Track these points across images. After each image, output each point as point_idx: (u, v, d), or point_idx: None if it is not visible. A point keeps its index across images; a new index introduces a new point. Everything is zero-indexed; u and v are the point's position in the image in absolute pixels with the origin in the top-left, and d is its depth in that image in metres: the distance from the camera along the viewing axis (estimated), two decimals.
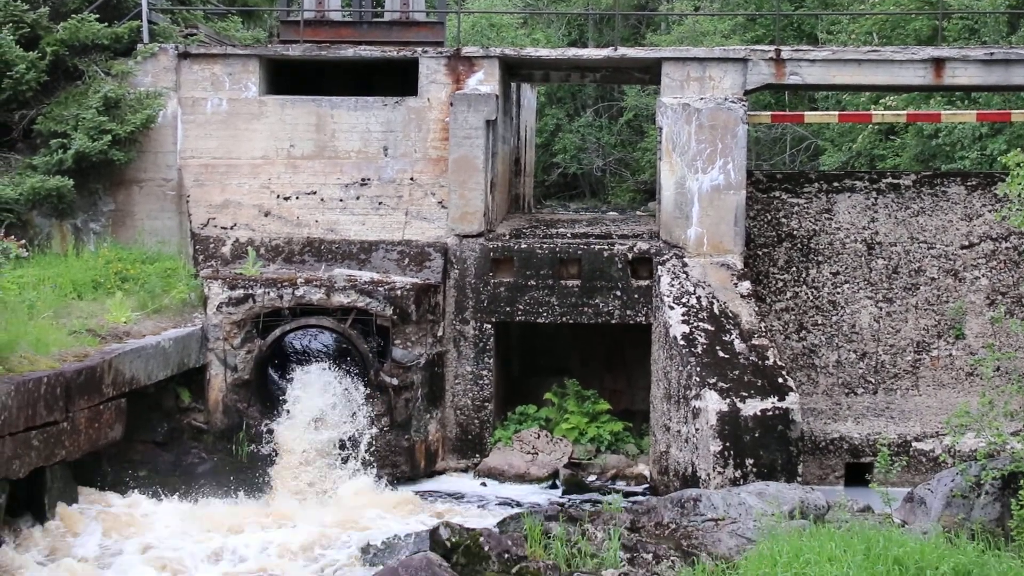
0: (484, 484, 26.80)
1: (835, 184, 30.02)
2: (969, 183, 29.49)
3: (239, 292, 26.88)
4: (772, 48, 28.52)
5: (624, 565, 19.76)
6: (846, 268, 29.23)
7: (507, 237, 28.73)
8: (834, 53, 29.31)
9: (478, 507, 24.88)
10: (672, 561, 19.59)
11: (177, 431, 25.89)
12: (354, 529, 22.63)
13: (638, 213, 35.38)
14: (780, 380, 24.46)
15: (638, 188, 43.92)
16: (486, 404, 28.05)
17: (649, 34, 48.59)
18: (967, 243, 29.04)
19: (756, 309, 26.79)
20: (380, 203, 28.52)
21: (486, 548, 19.73)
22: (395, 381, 26.75)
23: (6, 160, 27.29)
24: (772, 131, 43.66)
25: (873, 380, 28.92)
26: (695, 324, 25.74)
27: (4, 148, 27.42)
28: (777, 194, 29.56)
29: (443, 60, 28.53)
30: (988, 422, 20.21)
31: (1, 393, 19.57)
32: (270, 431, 26.20)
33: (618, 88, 46.07)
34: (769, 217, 29.30)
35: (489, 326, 28.00)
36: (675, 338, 25.50)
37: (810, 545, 17.09)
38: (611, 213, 36.36)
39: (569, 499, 25.20)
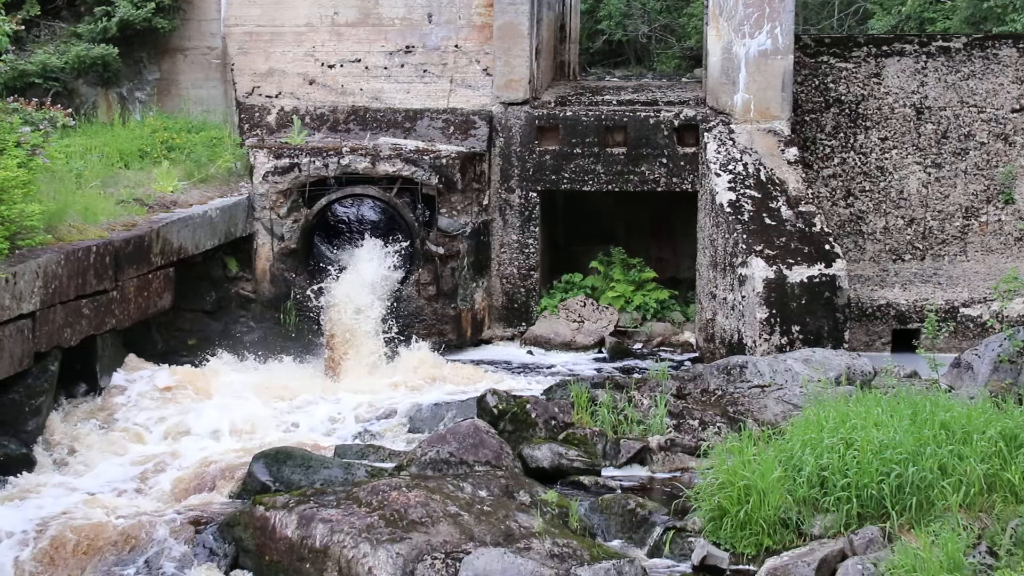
0: (530, 352, 26.98)
1: (884, 48, 29.92)
2: (1020, 45, 29.33)
3: (285, 161, 27.02)
4: None
5: (670, 431, 19.96)
6: (894, 133, 29.20)
7: (552, 105, 28.75)
8: None
9: (524, 375, 25.09)
10: (718, 427, 19.75)
11: (225, 300, 26.16)
12: (402, 396, 22.87)
13: (684, 80, 35.17)
14: (827, 247, 24.53)
15: (684, 55, 43.65)
16: (532, 273, 28.21)
17: None
18: (1018, 107, 28.96)
19: (803, 175, 26.81)
20: (425, 71, 28.56)
21: (533, 415, 19.93)
22: (441, 250, 26.90)
23: (51, 29, 27.42)
24: None
25: (921, 246, 28.99)
26: (741, 191, 25.80)
27: (48, 16, 27.54)
28: (825, 59, 29.50)
29: None
30: None
31: (51, 262, 19.81)
32: (318, 300, 26.48)
33: None
34: (817, 82, 29.25)
35: (535, 194, 28.09)
36: (721, 205, 25.57)
37: (856, 410, 17.19)
38: (657, 80, 36.22)
39: (615, 367, 25.39)
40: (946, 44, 29.79)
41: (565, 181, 28.10)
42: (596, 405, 20.28)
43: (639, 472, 18.91)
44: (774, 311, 23.91)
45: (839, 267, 24.11)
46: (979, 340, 21.71)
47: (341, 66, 28.67)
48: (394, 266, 26.77)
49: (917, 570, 14.35)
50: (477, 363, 25.93)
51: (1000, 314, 23.12)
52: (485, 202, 27.83)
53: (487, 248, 28.04)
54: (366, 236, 27.00)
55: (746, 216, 25.16)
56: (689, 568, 15.76)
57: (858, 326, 24.93)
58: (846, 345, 23.69)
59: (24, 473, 18.40)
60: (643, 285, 28.35)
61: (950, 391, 19.54)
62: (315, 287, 26.45)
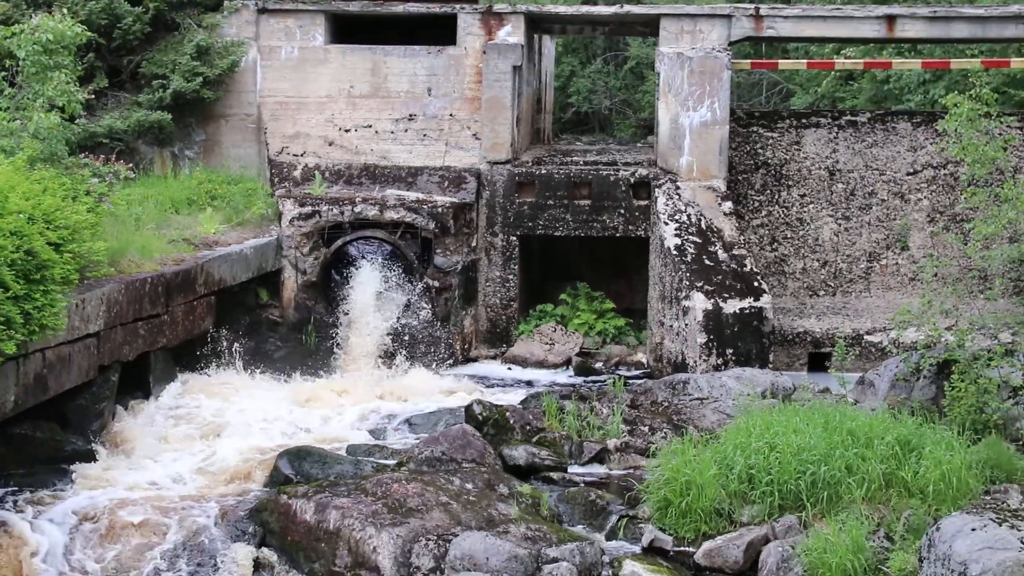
0: (510, 369, 26.89)
1: (803, 120, 29.98)
2: (914, 120, 29.43)
3: (308, 209, 27.03)
4: (752, 6, 28.40)
5: (625, 435, 19.96)
6: (811, 191, 29.25)
7: (530, 164, 28.73)
8: (804, 10, 29.28)
9: (505, 388, 24.99)
10: (665, 432, 19.76)
11: (256, 323, 26.06)
12: (402, 404, 22.82)
13: (639, 145, 35.24)
14: (755, 284, 24.59)
15: (639, 124, 43.83)
16: (511, 303, 28.18)
17: None
18: (912, 170, 29.03)
19: (736, 225, 26.86)
20: (424, 135, 28.57)
21: (511, 421, 19.92)
22: (436, 283, 26.91)
23: (116, 98, 27.40)
24: (751, 76, 43.47)
25: (832, 284, 29.04)
26: (685, 237, 25.83)
27: (115, 88, 27.52)
28: (755, 128, 29.52)
29: (477, 15, 28.48)
30: (927, 319, 20.31)
31: (114, 291, 19.82)
32: (334, 324, 26.46)
33: (623, 40, 45.90)
34: (748, 148, 29.27)
35: (514, 238, 28.08)
36: (669, 249, 25.59)
37: (778, 419, 17.24)
38: (616, 145, 36.30)
39: (580, 382, 25.30)
40: (854, 118, 29.87)
41: (540, 227, 28.09)
42: (564, 413, 20.27)
43: (599, 469, 18.88)
44: (711, 336, 23.94)
45: (765, 301, 24.16)
46: (879, 362, 21.72)
47: (355, 130, 28.67)
48: (398, 296, 26.81)
49: (827, 552, 14.38)
50: (465, 377, 25.80)
51: (897, 341, 23.09)
52: (473, 244, 27.80)
53: (475, 282, 27.99)
54: (375, 272, 27.00)
55: (689, 258, 25.19)
56: (639, 549, 15.82)
57: (780, 350, 24.93)
58: (770, 365, 23.71)
59: (89, 465, 18.34)
60: (604, 314, 28.32)
61: (855, 404, 19.56)
62: (332, 315, 26.49)
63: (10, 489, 16.95)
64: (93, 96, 25.01)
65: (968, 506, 14.95)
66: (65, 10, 24.50)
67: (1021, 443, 17.75)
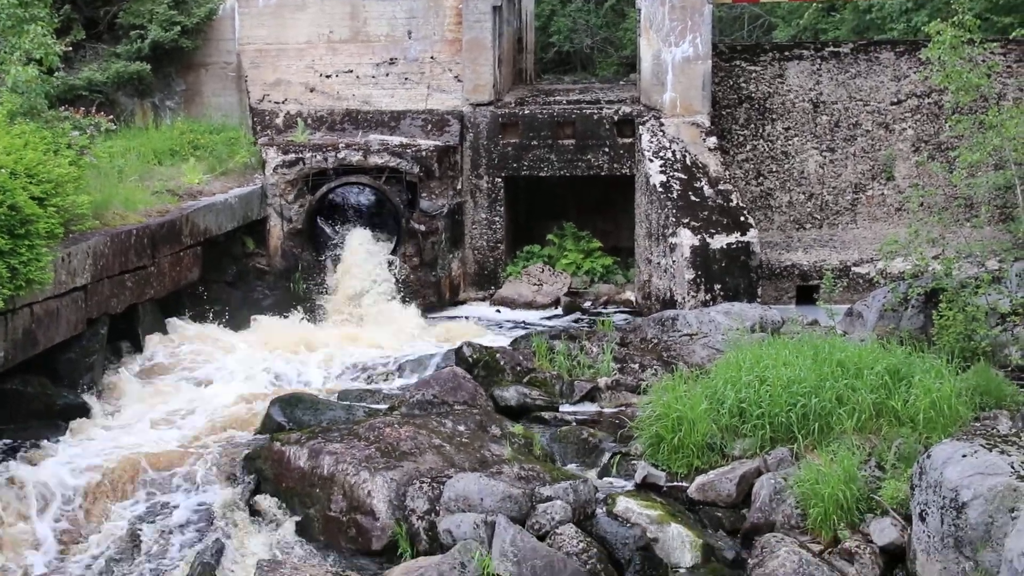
0: (499, 311, 27.00)
1: (786, 53, 29.99)
2: (897, 50, 29.45)
3: (291, 156, 27.06)
4: None
5: (616, 373, 20.06)
6: (795, 124, 29.28)
7: (513, 105, 28.75)
8: None
9: (494, 329, 25.08)
10: (655, 369, 19.86)
11: (244, 272, 26.10)
12: (392, 349, 22.89)
13: (621, 83, 35.21)
14: (742, 219, 24.65)
15: (621, 62, 43.75)
16: (499, 245, 28.23)
17: None
18: (896, 100, 29.06)
19: (721, 160, 26.88)
20: (406, 79, 28.55)
21: (502, 362, 20.02)
22: (423, 227, 26.94)
23: (94, 50, 27.35)
24: (732, 10, 43.40)
25: (819, 217, 29.12)
26: (671, 174, 25.86)
27: (92, 40, 27.46)
28: (738, 63, 29.52)
29: None
30: (914, 248, 20.41)
31: (99, 244, 19.86)
32: (322, 270, 26.50)
33: None
34: (731, 82, 29.28)
35: (499, 180, 28.12)
36: (654, 186, 25.63)
37: (768, 352, 17.33)
38: (599, 83, 36.26)
39: (569, 321, 25.42)
40: (837, 49, 29.88)
41: (525, 168, 28.10)
42: (554, 353, 20.36)
43: (590, 408, 18.97)
44: (699, 272, 24.01)
45: (752, 235, 24.23)
46: (867, 293, 21.81)
47: (336, 76, 28.64)
48: (384, 241, 26.85)
49: (819, 483, 14.47)
50: (455, 320, 25.89)
51: (884, 271, 23.23)
52: (459, 187, 27.84)
53: (461, 225, 28.03)
54: (360, 217, 27.04)
55: (675, 194, 25.23)
56: (633, 486, 15.86)
57: (768, 283, 25.03)
58: (759, 299, 23.82)
59: (81, 419, 18.42)
60: (591, 253, 28.40)
61: (844, 335, 19.67)
62: (318, 261, 26.54)
63: (5, 443, 17.05)
64: (71, 48, 24.89)
65: (958, 433, 15.04)
66: None
67: (1010, 369, 17.86)
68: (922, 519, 13.77)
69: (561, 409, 18.86)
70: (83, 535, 15.58)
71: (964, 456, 13.80)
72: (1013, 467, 13.55)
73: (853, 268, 25.32)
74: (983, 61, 22.01)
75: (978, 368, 17.11)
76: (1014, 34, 25.72)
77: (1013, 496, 13.02)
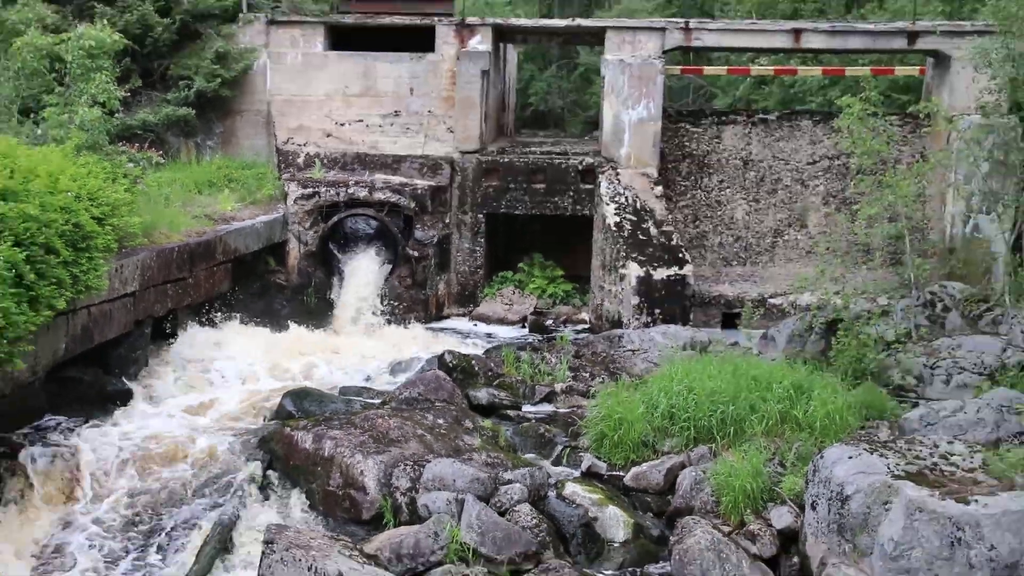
0: (476, 325, 26.99)
1: (723, 118, 30.17)
2: (814, 119, 29.64)
3: (309, 190, 27.18)
4: (682, 21, 28.57)
5: (570, 380, 20.21)
6: (728, 177, 29.46)
7: (495, 153, 28.84)
8: (725, 25, 29.48)
9: (471, 340, 25.16)
10: (603, 378, 20.00)
11: (266, 286, 26.14)
12: (386, 354, 22.99)
13: (587, 138, 35.45)
14: (680, 255, 24.79)
15: (587, 120, 43.93)
16: (478, 270, 28.35)
17: (596, 10, 48.40)
18: (811, 160, 29.25)
19: (665, 205, 27.04)
20: (407, 128, 28.69)
21: (476, 368, 20.14)
22: (416, 253, 27.05)
23: (148, 96, 27.44)
24: (680, 81, 43.60)
25: (743, 256, 29.31)
26: (623, 215, 26.01)
27: (147, 87, 27.55)
28: (682, 125, 29.69)
29: (452, 27, 28.54)
30: (819, 285, 20.60)
31: (147, 258, 19.97)
32: (330, 287, 26.66)
33: (574, 49, 45.95)
34: (676, 141, 29.43)
35: (481, 216, 28.23)
36: (609, 225, 25.76)
37: (696, 367, 17.48)
38: (568, 138, 36.44)
39: (534, 336, 25.54)
40: (765, 117, 30.08)
41: (503, 207, 28.23)
42: (519, 362, 20.52)
43: (547, 408, 19.10)
44: (643, 299, 24.16)
45: (688, 269, 24.37)
46: (780, 321, 21.89)
47: (349, 124, 28.78)
48: (383, 263, 27.01)
49: (732, 476, 14.66)
50: (439, 331, 25.98)
51: (794, 303, 23.42)
52: (447, 220, 27.93)
53: (448, 253, 28.12)
54: (364, 245, 27.22)
55: (626, 233, 25.38)
56: (579, 473, 16.04)
57: (699, 310, 25.19)
58: (691, 323, 23.96)
59: (127, 403, 18.58)
60: (554, 280, 28.50)
61: (759, 355, 19.83)
62: (328, 279, 26.70)
63: (64, 420, 17.20)
64: (129, 94, 25.00)
65: (847, 439, 15.25)
66: (105, 21, 24.50)
67: (891, 387, 18.13)
68: (813, 508, 14.00)
69: (523, 408, 19.01)
70: (122, 496, 15.75)
71: (850, 458, 14.02)
72: (889, 468, 13.79)
73: (769, 300, 25.47)
74: (884, 131, 22.26)
75: (866, 386, 17.36)
76: (910, 109, 26.06)
77: (887, 491, 13.25)
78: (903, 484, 13.35)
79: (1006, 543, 12.69)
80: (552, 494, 15.13)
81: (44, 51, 22.30)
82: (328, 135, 28.81)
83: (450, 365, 19.92)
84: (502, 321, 26.99)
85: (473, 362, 20.33)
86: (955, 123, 26.53)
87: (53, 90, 22.38)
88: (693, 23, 28.57)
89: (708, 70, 37.08)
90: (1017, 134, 26.24)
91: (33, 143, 20.17)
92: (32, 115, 22.34)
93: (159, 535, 15.13)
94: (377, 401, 18.62)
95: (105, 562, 14.77)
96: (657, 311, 24.12)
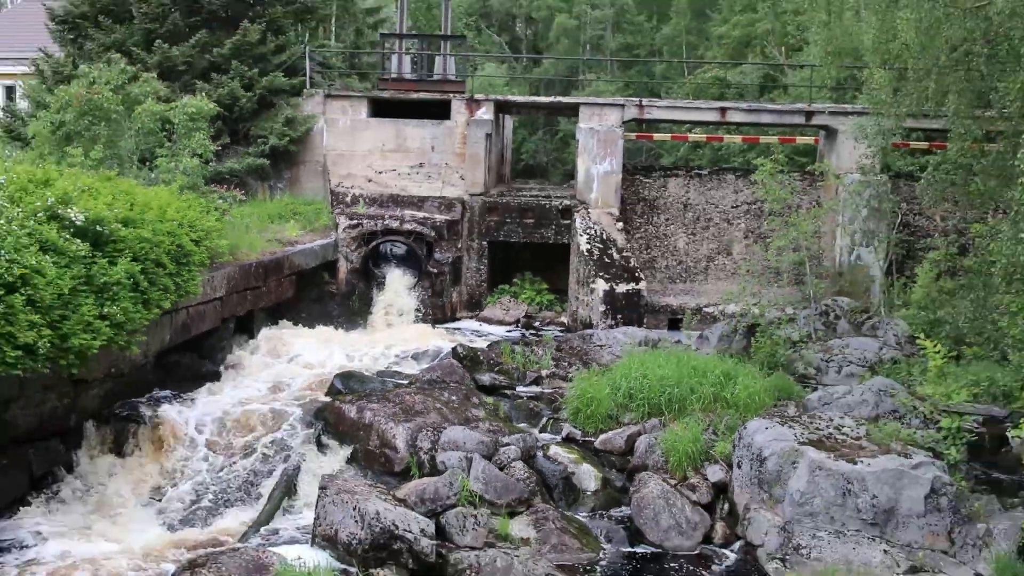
0: (481, 325, 26.74)
1: (667, 172, 30.11)
2: (736, 174, 29.59)
3: (355, 222, 27.06)
4: (637, 99, 28.52)
5: (552, 367, 20.13)
6: (672, 216, 29.38)
7: (495, 196, 28.75)
8: (669, 103, 29.40)
9: (478, 336, 25.04)
10: (578, 366, 19.94)
11: (321, 294, 26.02)
12: (412, 346, 22.90)
13: (565, 186, 35.33)
14: (636, 274, 24.76)
15: (565, 172, 43.84)
16: (482, 284, 28.18)
17: (573, 90, 48.47)
18: (735, 205, 29.20)
19: (625, 237, 27.04)
20: (429, 176, 28.58)
21: (481, 357, 20.06)
22: (435, 271, 26.95)
23: (234, 149, 27.33)
24: (635, 144, 43.56)
25: (684, 276, 29.24)
26: (593, 244, 25.97)
27: (233, 143, 27.43)
28: (637, 176, 29.65)
29: (464, 101, 28.45)
30: (741, 298, 20.62)
31: (232, 271, 19.93)
32: (370, 295, 26.54)
33: (556, 119, 46.03)
34: (633, 188, 29.39)
35: (485, 243, 28.07)
36: (583, 251, 25.70)
37: (648, 359, 17.50)
38: (551, 185, 36.41)
39: (525, 333, 25.47)
40: (699, 171, 30.06)
41: (501, 236, 28.09)
42: (514, 353, 20.45)
43: (536, 389, 19.03)
44: (608, 307, 24.11)
45: (642, 285, 24.34)
46: (712, 325, 21.89)
47: (385, 173, 28.67)
48: (410, 277, 26.95)
49: (677, 441, 14.67)
50: (452, 329, 25.82)
51: (723, 312, 23.38)
52: (459, 246, 27.82)
53: (459, 270, 27.95)
54: (396, 263, 27.15)
55: (595, 257, 25.35)
56: (560, 439, 16.00)
57: (650, 316, 25.12)
58: (645, 325, 23.88)
59: (215, 382, 18.52)
60: (540, 291, 28.36)
61: (697, 350, 19.80)
62: (368, 290, 26.60)
63: (169, 394, 17.19)
64: (220, 148, 25.01)
65: (763, 414, 15.27)
66: (203, 93, 24.58)
67: (797, 376, 18.13)
68: (739, 466, 13.96)
69: (517, 389, 18.95)
70: (211, 449, 15.73)
71: (767, 428, 14.02)
72: (796, 436, 13.77)
73: (704, 309, 25.40)
74: (788, 184, 22.28)
75: (777, 375, 17.38)
76: (808, 168, 26.20)
77: (795, 454, 13.24)
78: (807, 448, 13.36)
79: (884, 493, 12.72)
80: (540, 454, 15.12)
81: (158, 116, 22.30)
82: (369, 180, 28.70)
83: (461, 355, 19.86)
84: (501, 322, 26.84)
85: (479, 353, 20.25)
86: (841, 179, 26.82)
87: (163, 145, 22.39)
88: (645, 101, 28.50)
89: (656, 136, 36.94)
90: (887, 188, 26.53)
91: (147, 184, 20.19)
92: (147, 163, 22.32)
93: (239, 480, 15.09)
94: (405, 381, 18.55)
95: (198, 498, 14.76)
96: (619, 316, 24.06)
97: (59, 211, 14.04)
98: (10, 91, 38.67)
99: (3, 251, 12.48)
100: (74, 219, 14.08)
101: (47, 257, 13.09)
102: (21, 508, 14.12)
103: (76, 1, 28.55)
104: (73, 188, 14.96)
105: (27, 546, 13.15)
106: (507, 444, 14.94)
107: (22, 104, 28.89)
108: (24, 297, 12.38)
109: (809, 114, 28.08)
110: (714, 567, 13.09)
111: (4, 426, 14.03)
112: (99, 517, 14.14)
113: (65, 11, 28.70)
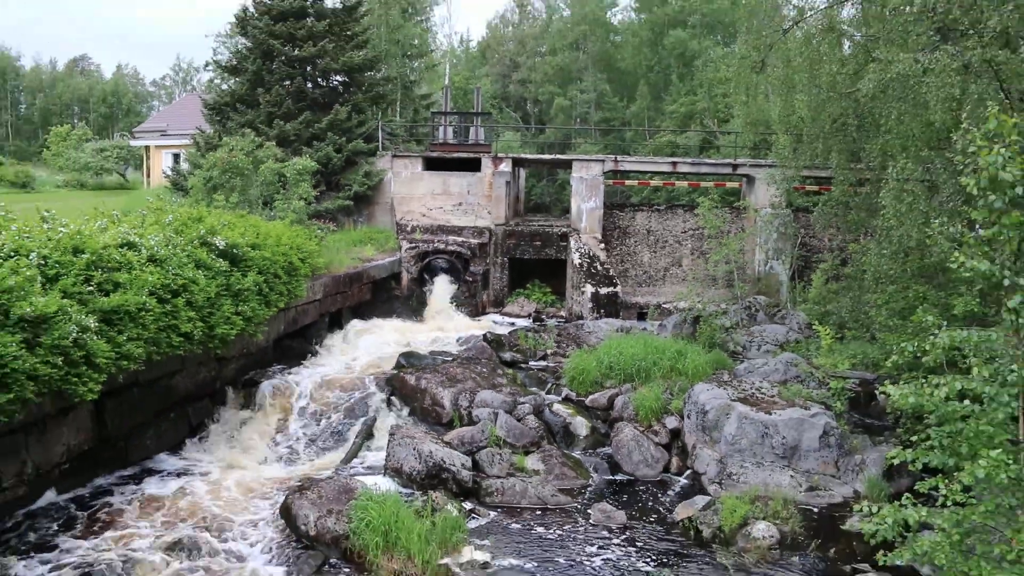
0: (503, 318, 26.65)
1: (636, 208, 30.08)
2: (684, 208, 29.47)
3: (413, 245, 27.08)
4: (613, 156, 28.53)
5: (555, 348, 20.09)
6: (639, 239, 29.31)
7: (513, 225, 28.65)
8: (637, 159, 29.40)
9: (501, 326, 25.05)
10: (573, 347, 19.92)
11: (390, 297, 25.99)
12: (454, 333, 22.90)
13: (563, 219, 35.34)
14: (614, 281, 24.73)
15: (563, 208, 43.67)
16: (504, 288, 28.10)
17: (568, 150, 48.34)
18: (683, 231, 29.09)
19: (606, 254, 26.98)
20: (465, 212, 28.55)
21: (503, 341, 20.02)
22: (471, 279, 26.87)
23: (329, 195, 27.38)
24: (612, 188, 43.48)
25: (648, 282, 29.12)
26: (583, 259, 25.96)
27: (329, 190, 27.49)
28: (614, 211, 29.60)
29: (490, 158, 28.41)
30: (689, 297, 20.57)
31: (327, 280, 19.98)
32: (424, 297, 26.54)
33: (556, 170, 45.94)
34: (611, 220, 29.35)
35: (506, 259, 27.99)
36: (576, 264, 25.72)
37: (624, 341, 17.41)
38: (553, 217, 36.35)
39: (536, 324, 25.41)
40: (658, 208, 29.97)
41: (517, 254, 27.99)
42: (528, 337, 20.41)
43: (543, 363, 19.00)
44: (594, 304, 24.11)
45: (618, 288, 24.32)
46: (668, 317, 21.90)
47: (434, 210, 28.67)
48: (453, 284, 26.94)
49: (644, 399, 14.60)
50: (483, 321, 25.86)
51: (676, 307, 23.34)
52: (488, 261, 27.80)
53: (488, 279, 27.89)
54: (442, 273, 27.16)
55: (584, 268, 25.35)
56: (561, 398, 15.98)
57: (625, 311, 25.04)
58: (620, 317, 23.87)
59: (313, 358, 18.55)
60: (546, 293, 28.20)
61: (658, 335, 19.78)
62: (422, 292, 26.60)
63: (284, 367, 17.23)
64: (319, 194, 25.16)
65: (705, 380, 15.23)
66: (307, 156, 24.72)
67: (729, 352, 18.04)
68: (688, 417, 13.91)
69: (530, 363, 18.92)
70: (314, 407, 15.78)
71: (708, 390, 13.98)
72: (728, 395, 13.72)
73: (663, 305, 25.23)
74: (721, 215, 22.25)
75: (715, 352, 17.29)
76: (734, 204, 26.10)
77: (728, 408, 13.19)
78: (736, 404, 13.32)
79: (790, 435, 12.68)
80: (546, 410, 15.13)
81: (275, 172, 22.48)
82: (423, 215, 28.74)
83: (489, 339, 19.90)
84: (518, 316, 26.80)
85: (502, 338, 20.25)
86: (758, 212, 26.72)
87: (279, 192, 22.51)
88: (619, 158, 28.48)
89: (627, 182, 36.74)
90: (791, 219, 26.50)
91: (268, 219, 20.28)
92: (268, 205, 22.43)
93: (333, 428, 15.13)
94: (450, 358, 18.54)
95: (307, 441, 14.82)
96: (602, 310, 24.05)
97: (208, 239, 14.20)
98: (176, 157, 39.36)
99: (171, 267, 12.66)
100: (218, 244, 14.23)
101: (200, 272, 13.25)
102: (184, 447, 14.28)
103: (221, 94, 29.12)
104: (217, 223, 15.13)
105: (189, 472, 13.31)
106: (523, 403, 14.98)
107: (184, 166, 29.26)
108: (184, 299, 12.54)
109: (735, 166, 28.01)
110: (671, 489, 13.10)
111: (172, 390, 14.19)
112: (236, 454, 14.26)
113: (214, 101, 29.28)
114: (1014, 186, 6.69)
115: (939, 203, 13.97)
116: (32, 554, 10.38)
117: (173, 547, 10.59)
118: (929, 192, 14.38)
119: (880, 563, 7.39)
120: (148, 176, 43.55)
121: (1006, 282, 6.81)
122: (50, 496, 11.83)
